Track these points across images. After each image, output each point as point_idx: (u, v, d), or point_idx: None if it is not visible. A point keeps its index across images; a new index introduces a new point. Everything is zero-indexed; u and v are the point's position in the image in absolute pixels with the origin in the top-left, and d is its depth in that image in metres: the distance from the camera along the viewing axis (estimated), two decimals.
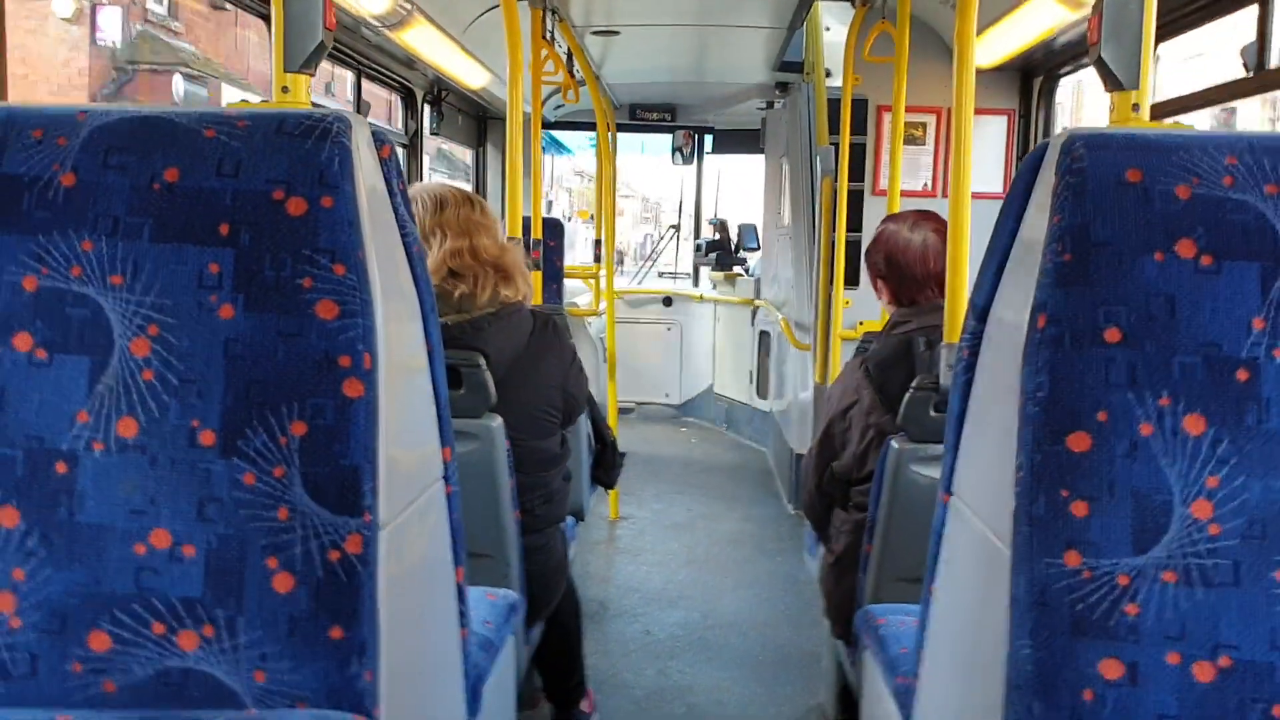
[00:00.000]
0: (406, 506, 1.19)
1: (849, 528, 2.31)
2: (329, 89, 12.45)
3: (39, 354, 1.07)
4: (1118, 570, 1.01)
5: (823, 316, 4.40)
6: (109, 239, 1.07)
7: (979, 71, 2.04)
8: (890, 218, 2.48)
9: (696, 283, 8.08)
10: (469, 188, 4.98)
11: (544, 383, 2.32)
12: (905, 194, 3.77)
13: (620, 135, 6.86)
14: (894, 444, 2.05)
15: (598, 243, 5.26)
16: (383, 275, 1.11)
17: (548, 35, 3.74)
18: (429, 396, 1.31)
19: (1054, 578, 1.01)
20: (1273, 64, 2.55)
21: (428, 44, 4.12)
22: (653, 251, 9.79)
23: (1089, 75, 4.29)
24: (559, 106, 6.44)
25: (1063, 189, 1.05)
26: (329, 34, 1.26)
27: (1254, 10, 2.59)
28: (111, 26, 12.94)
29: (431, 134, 5.12)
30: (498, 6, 3.46)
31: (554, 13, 3.89)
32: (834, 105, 4.18)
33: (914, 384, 2.05)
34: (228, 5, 14.54)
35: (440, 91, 5.06)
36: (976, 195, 2.07)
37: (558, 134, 9.58)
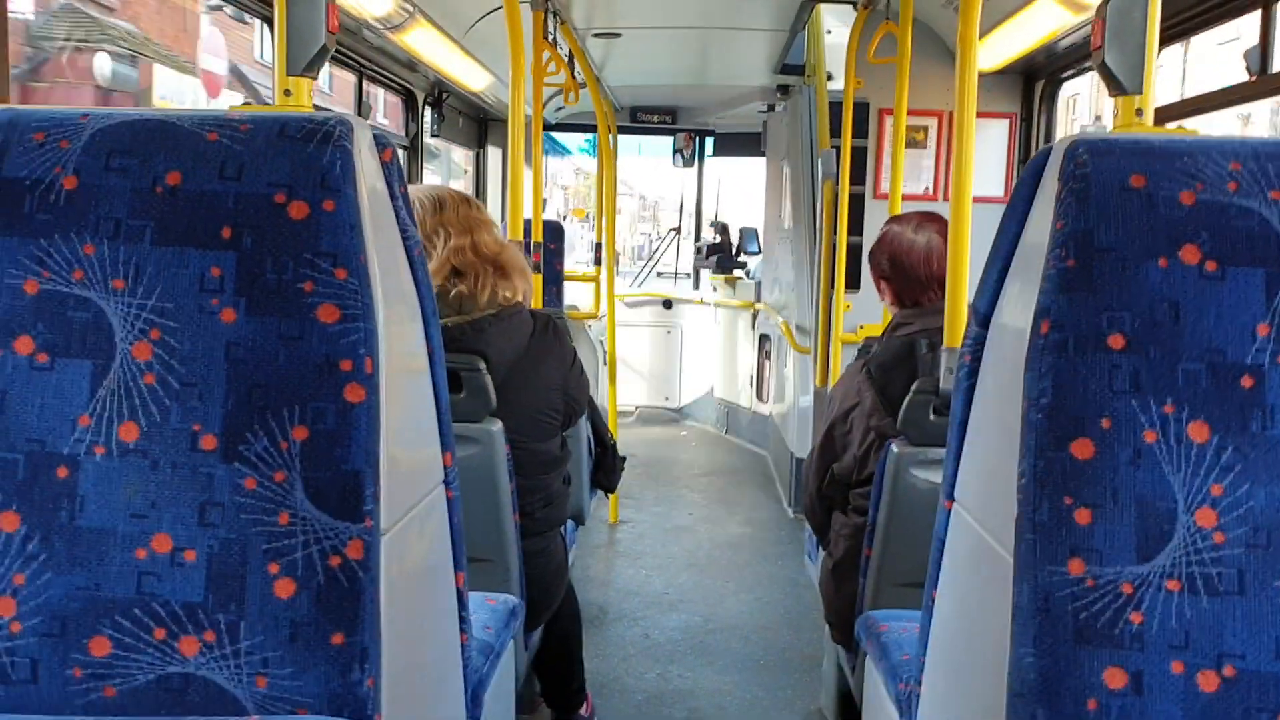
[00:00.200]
0: (408, 511, 1.18)
1: (848, 532, 2.31)
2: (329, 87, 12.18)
3: (40, 357, 1.07)
4: (1121, 578, 1.00)
5: (823, 320, 4.40)
6: (111, 242, 1.07)
7: (981, 75, 2.04)
8: (894, 219, 2.48)
9: (697, 285, 8.08)
10: (455, 184, 4.98)
11: (544, 385, 2.32)
12: (907, 197, 3.77)
13: (619, 137, 6.86)
14: (894, 448, 2.05)
15: (598, 246, 5.26)
16: (384, 279, 1.11)
17: (549, 37, 3.74)
18: (430, 401, 1.31)
19: (1057, 585, 1.01)
20: (1276, 68, 2.55)
21: (429, 46, 4.12)
22: (653, 253, 9.79)
23: (1079, 81, 4.29)
24: (560, 108, 6.44)
25: (1066, 194, 1.05)
26: (331, 37, 1.26)
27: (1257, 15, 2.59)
28: None
29: (432, 136, 5.12)
30: (499, 9, 3.45)
31: (556, 15, 3.89)
32: (835, 108, 4.17)
33: (914, 387, 2.05)
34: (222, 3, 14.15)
35: (441, 93, 5.06)
36: (978, 199, 2.07)
37: (556, 135, 9.57)
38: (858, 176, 4.22)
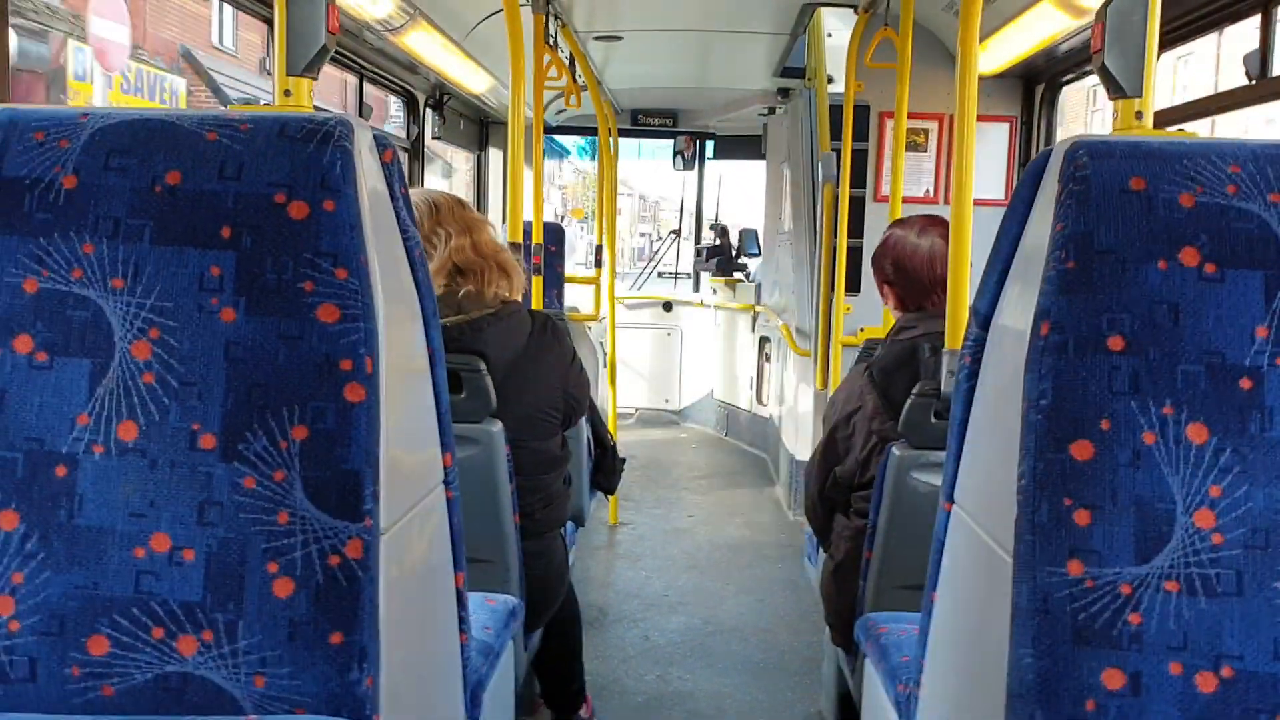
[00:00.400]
0: (407, 512, 1.18)
1: (850, 534, 2.31)
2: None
3: (39, 356, 1.07)
4: (1120, 579, 1.00)
5: (823, 322, 4.40)
6: (110, 241, 1.07)
7: (981, 78, 2.04)
8: (898, 223, 2.48)
9: (697, 288, 8.09)
10: (447, 185, 4.96)
11: (544, 384, 2.32)
12: (907, 200, 3.77)
13: (620, 140, 6.87)
14: (895, 451, 2.04)
15: (598, 248, 5.26)
16: (384, 279, 1.11)
17: (550, 40, 3.74)
18: (430, 401, 1.31)
19: (1056, 586, 1.01)
20: (1276, 71, 2.55)
21: (430, 48, 4.12)
22: (653, 255, 9.80)
23: (1071, 88, 4.29)
24: (560, 111, 6.45)
25: (1066, 196, 1.05)
26: (331, 38, 1.26)
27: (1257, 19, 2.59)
28: None
29: (434, 138, 5.12)
30: (500, 11, 3.46)
31: (557, 18, 3.89)
32: (836, 111, 4.18)
33: (914, 390, 2.05)
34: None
35: (442, 96, 5.07)
36: (978, 202, 2.07)
37: (557, 137, 9.59)
38: (858, 179, 4.23)
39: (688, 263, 8.74)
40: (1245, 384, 1.01)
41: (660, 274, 9.53)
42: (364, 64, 4.10)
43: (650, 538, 4.80)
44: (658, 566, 4.38)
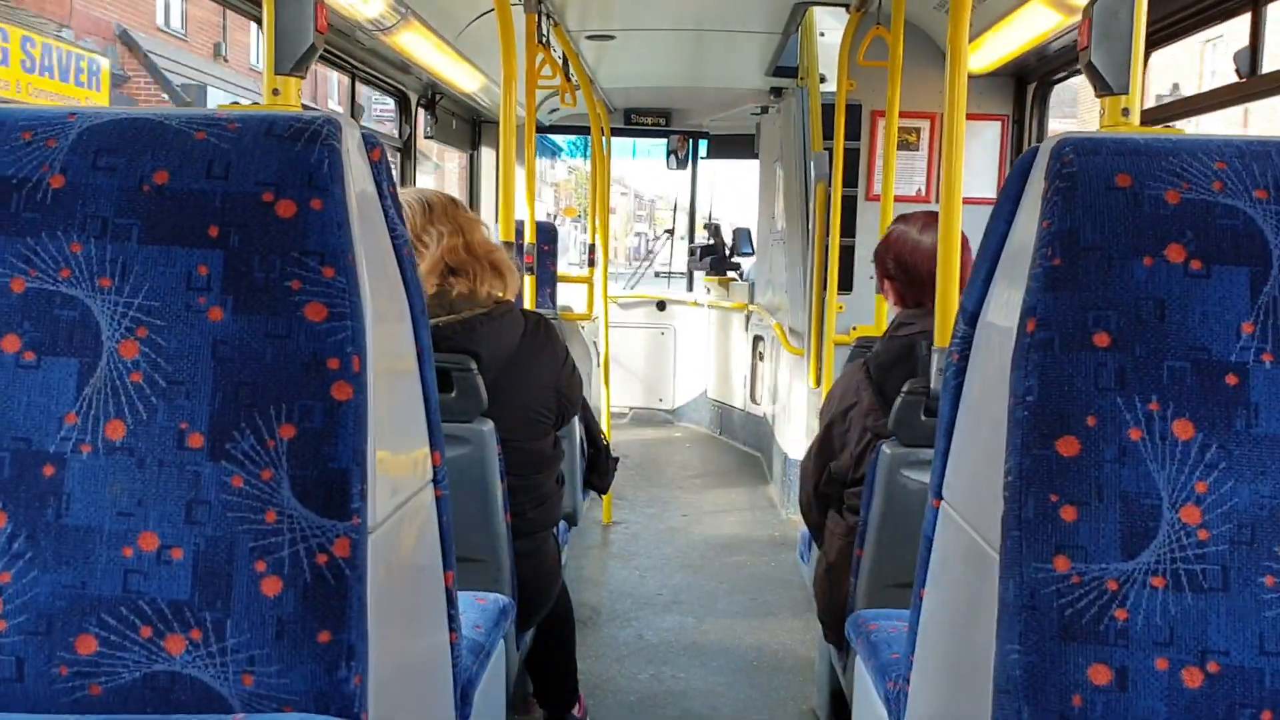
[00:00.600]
0: (395, 510, 1.18)
1: (842, 532, 2.31)
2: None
3: (27, 356, 1.06)
4: (1107, 575, 1.01)
5: (816, 321, 4.40)
6: (98, 241, 1.07)
7: (973, 77, 2.05)
8: (901, 218, 2.49)
9: (691, 288, 8.09)
10: (433, 183, 4.96)
11: (536, 383, 2.32)
12: (899, 199, 3.78)
13: (613, 139, 6.88)
14: (885, 449, 2.05)
15: (591, 248, 5.27)
16: (372, 278, 1.11)
17: (543, 40, 3.74)
18: (419, 400, 1.31)
19: (1043, 582, 1.01)
20: (1265, 69, 2.56)
21: (421, 48, 4.12)
22: (648, 254, 9.81)
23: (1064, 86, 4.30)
24: (554, 110, 6.44)
25: (1053, 193, 1.05)
26: (320, 37, 1.26)
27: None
28: None
29: (426, 138, 5.12)
30: (492, 11, 3.45)
31: (549, 17, 3.89)
32: (828, 110, 4.19)
33: (905, 388, 2.05)
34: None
35: (434, 95, 5.06)
36: (970, 200, 2.08)
37: (551, 135, 9.59)
38: (850, 178, 4.24)
39: (682, 262, 8.74)
40: (1231, 380, 1.01)
41: (657, 273, 9.53)
42: (356, 64, 4.10)
43: (644, 537, 4.80)
44: (651, 565, 4.38)
